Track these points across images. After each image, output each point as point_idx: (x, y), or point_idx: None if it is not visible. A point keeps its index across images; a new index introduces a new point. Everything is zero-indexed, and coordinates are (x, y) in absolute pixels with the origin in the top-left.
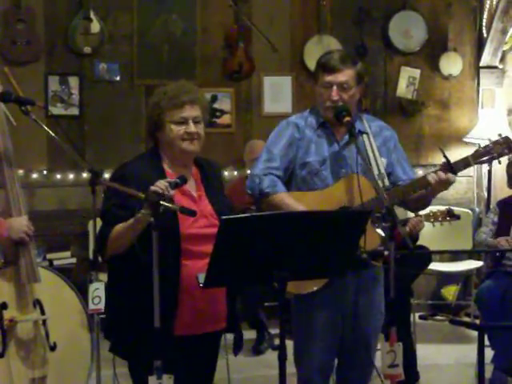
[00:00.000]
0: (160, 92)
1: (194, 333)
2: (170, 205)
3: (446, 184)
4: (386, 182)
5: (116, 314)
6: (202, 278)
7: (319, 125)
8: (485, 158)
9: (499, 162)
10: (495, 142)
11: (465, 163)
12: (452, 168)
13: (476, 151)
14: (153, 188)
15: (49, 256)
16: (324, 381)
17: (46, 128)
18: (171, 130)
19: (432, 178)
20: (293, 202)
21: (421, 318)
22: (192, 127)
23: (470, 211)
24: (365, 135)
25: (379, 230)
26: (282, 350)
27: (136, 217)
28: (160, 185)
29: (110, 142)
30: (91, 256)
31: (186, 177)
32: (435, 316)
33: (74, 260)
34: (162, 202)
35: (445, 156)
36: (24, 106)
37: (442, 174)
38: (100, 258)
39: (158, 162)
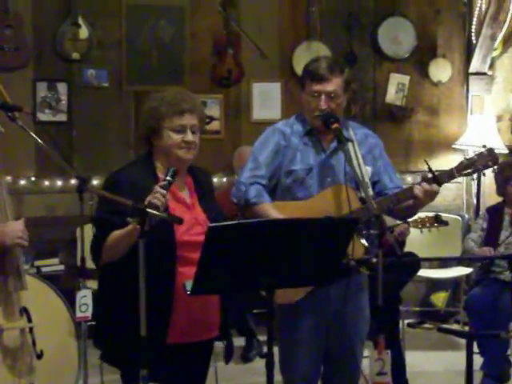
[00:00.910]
0: (158, 98)
1: (188, 341)
2: (157, 212)
3: (431, 195)
4: (370, 192)
5: (107, 322)
6: (189, 285)
7: (306, 132)
8: (469, 170)
9: (483, 174)
10: (480, 154)
11: (449, 175)
12: (436, 180)
13: (460, 163)
14: (152, 202)
15: (37, 263)
16: None
17: (34, 135)
18: (169, 137)
19: (417, 189)
20: (276, 214)
21: (409, 325)
22: (190, 136)
23: (459, 217)
24: (350, 143)
25: (363, 241)
26: (269, 357)
27: (127, 228)
28: (158, 196)
29: (99, 149)
30: (79, 263)
31: (175, 168)
32: (423, 324)
33: (62, 267)
34: (148, 210)
35: (429, 168)
36: (10, 112)
37: (426, 186)
38: (94, 265)
39: (151, 169)
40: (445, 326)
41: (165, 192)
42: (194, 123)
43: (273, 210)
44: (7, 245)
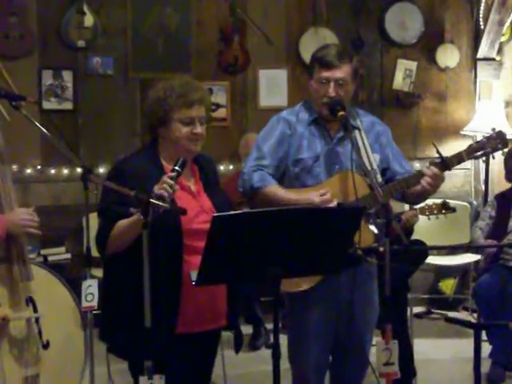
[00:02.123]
0: (166, 87)
1: (196, 330)
2: (160, 203)
3: (438, 180)
4: (379, 179)
5: (113, 314)
6: (194, 275)
7: (312, 121)
8: (479, 153)
9: (493, 157)
10: (489, 137)
11: (458, 158)
12: (446, 163)
13: (470, 146)
14: (158, 192)
15: (43, 252)
16: (319, 379)
17: (38, 124)
18: (178, 129)
19: (425, 172)
20: (284, 192)
21: (416, 316)
22: (198, 128)
23: (467, 204)
24: (357, 131)
25: (372, 227)
26: (275, 348)
27: (131, 218)
28: (165, 187)
29: (104, 137)
30: (84, 250)
31: (184, 158)
32: (430, 314)
33: (68, 255)
34: (151, 201)
35: (438, 151)
36: (15, 101)
37: (434, 169)
38: (100, 256)
39: (156, 158)
40: (452, 315)
41: (172, 183)
42: (202, 115)
43: (280, 190)
44: (14, 233)
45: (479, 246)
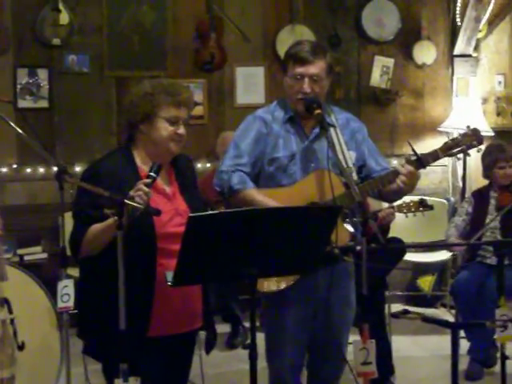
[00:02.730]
0: (154, 84)
1: (171, 333)
2: (134, 204)
3: (413, 178)
4: (355, 177)
5: (88, 315)
6: (170, 276)
7: (287, 119)
8: (454, 151)
9: (468, 155)
10: (464, 134)
11: (433, 156)
12: (421, 161)
13: (445, 144)
14: (135, 199)
15: (19, 251)
16: (295, 377)
17: (13, 124)
18: (163, 128)
19: (400, 170)
20: (263, 198)
21: (393, 316)
22: (182, 129)
23: (445, 201)
24: (332, 128)
25: (348, 226)
26: (252, 349)
27: (106, 222)
28: (141, 194)
29: (80, 135)
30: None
31: (159, 164)
32: (407, 314)
33: (45, 255)
34: (126, 201)
35: (413, 150)
36: None
37: (409, 167)
38: (74, 259)
39: (131, 159)
40: (430, 312)
41: (147, 190)
42: (185, 116)
43: (258, 195)
44: None
45: (451, 245)
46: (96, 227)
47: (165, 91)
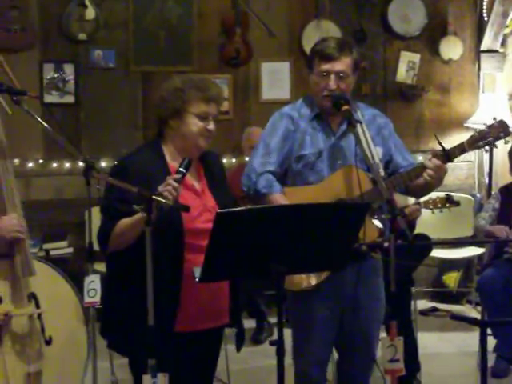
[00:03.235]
0: (185, 80)
1: (198, 328)
2: (163, 200)
3: (441, 172)
4: (382, 172)
5: (115, 310)
6: (197, 272)
7: (314, 116)
8: (481, 143)
9: (495, 146)
10: (491, 126)
11: (461, 149)
12: (448, 155)
13: (471, 136)
14: (163, 195)
15: (45, 246)
16: (321, 374)
17: (39, 119)
18: (193, 123)
19: (427, 164)
20: (287, 203)
21: (421, 313)
22: (212, 125)
23: (471, 197)
24: (358, 124)
25: (377, 222)
26: (279, 345)
27: (135, 217)
28: (170, 189)
29: (106, 130)
30: (87, 246)
31: (189, 159)
32: (435, 311)
33: (71, 250)
34: (155, 197)
35: (440, 143)
36: (16, 96)
37: (436, 161)
38: (102, 253)
39: (161, 155)
40: (456, 309)
41: (177, 185)
42: (215, 112)
43: (283, 200)
44: (6, 239)
45: (484, 241)
46: (124, 222)
47: (195, 87)
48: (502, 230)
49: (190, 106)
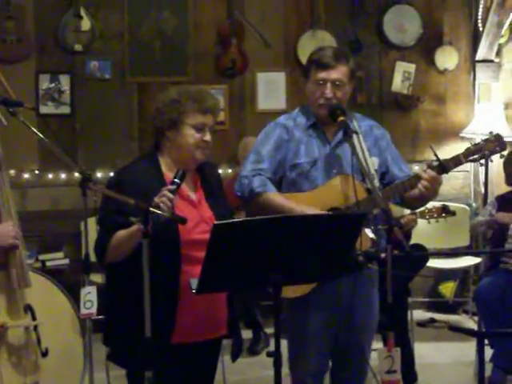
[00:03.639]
0: (181, 91)
1: (195, 340)
2: (160, 212)
3: (436, 184)
4: (377, 183)
5: (113, 321)
6: (194, 283)
7: (310, 125)
8: (476, 156)
9: (491, 161)
10: (487, 140)
11: (456, 161)
12: (443, 166)
13: (467, 149)
14: (159, 205)
15: (41, 257)
16: (317, 383)
17: (35, 131)
18: (190, 134)
19: (422, 175)
20: (283, 200)
21: (419, 324)
22: (208, 136)
23: (466, 207)
24: (355, 135)
25: (368, 231)
26: (277, 356)
27: (131, 228)
28: (165, 201)
29: (102, 141)
30: (83, 257)
31: (184, 170)
32: (433, 322)
33: (67, 261)
34: (151, 209)
35: (435, 154)
36: (12, 107)
37: (431, 172)
38: (99, 265)
39: (156, 167)
40: (452, 319)
41: (172, 196)
42: (212, 123)
43: (279, 197)
44: (3, 246)
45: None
46: (121, 233)
47: (191, 98)
48: (505, 218)
49: (187, 117)
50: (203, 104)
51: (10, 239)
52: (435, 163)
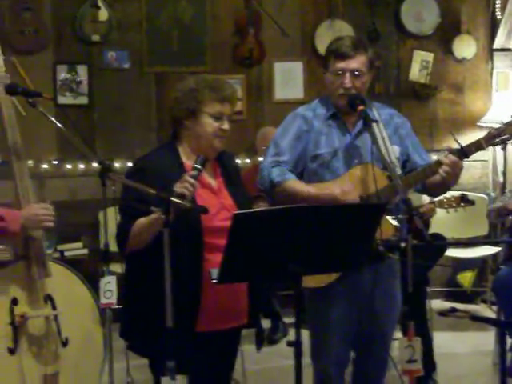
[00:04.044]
0: (198, 80)
1: (217, 328)
2: (181, 202)
3: (457, 169)
4: (399, 171)
5: (135, 312)
6: (215, 273)
7: (329, 116)
8: (497, 140)
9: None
10: (508, 123)
11: (477, 146)
12: (464, 151)
13: (488, 133)
14: (179, 191)
15: (60, 247)
16: (340, 373)
17: (55, 121)
18: (208, 123)
19: (443, 160)
20: (303, 186)
21: (440, 314)
22: (226, 124)
23: (485, 196)
24: (375, 123)
25: (391, 220)
26: (297, 346)
27: (151, 216)
28: (187, 186)
29: (120, 131)
30: (102, 248)
31: (204, 156)
32: (455, 312)
33: (85, 251)
34: (172, 199)
35: (456, 140)
36: (31, 98)
37: (452, 157)
38: (120, 254)
39: (176, 155)
40: (470, 308)
41: (194, 182)
42: (229, 112)
43: (299, 184)
44: (30, 228)
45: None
46: (142, 221)
47: (209, 87)
48: None
49: (205, 106)
50: (221, 93)
51: (40, 222)
52: (456, 149)
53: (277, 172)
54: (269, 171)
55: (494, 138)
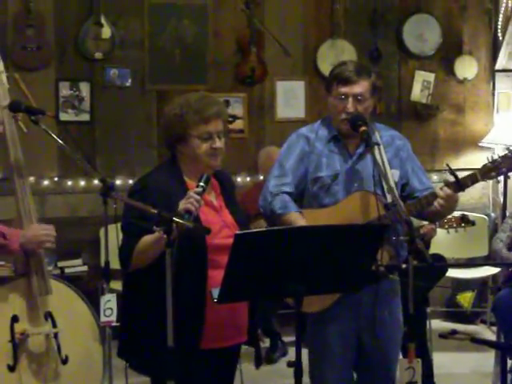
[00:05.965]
0: (182, 104)
1: (220, 346)
2: (183, 221)
3: (452, 200)
4: (397, 195)
5: (136, 331)
6: (215, 293)
7: (331, 138)
8: (493, 174)
9: (508, 177)
10: (504, 157)
11: (472, 179)
12: (459, 184)
13: (484, 166)
14: (185, 207)
15: (60, 264)
16: None
17: (57, 138)
18: (198, 146)
19: (438, 193)
20: (303, 223)
21: (440, 336)
22: (217, 142)
23: (485, 216)
24: (376, 147)
25: (387, 247)
26: (297, 366)
27: (155, 235)
28: (192, 201)
29: (121, 148)
30: (103, 265)
31: (208, 175)
32: (455, 334)
33: (85, 268)
34: (175, 219)
35: (452, 173)
36: (34, 115)
37: (447, 190)
38: (123, 272)
39: (178, 174)
40: (470, 329)
41: (199, 198)
42: (220, 129)
43: (299, 220)
44: (29, 248)
45: (501, 264)
46: (146, 239)
47: (192, 110)
48: None
49: (191, 130)
50: (205, 113)
51: (40, 243)
52: (451, 180)
53: (278, 204)
54: (272, 199)
55: (490, 171)
